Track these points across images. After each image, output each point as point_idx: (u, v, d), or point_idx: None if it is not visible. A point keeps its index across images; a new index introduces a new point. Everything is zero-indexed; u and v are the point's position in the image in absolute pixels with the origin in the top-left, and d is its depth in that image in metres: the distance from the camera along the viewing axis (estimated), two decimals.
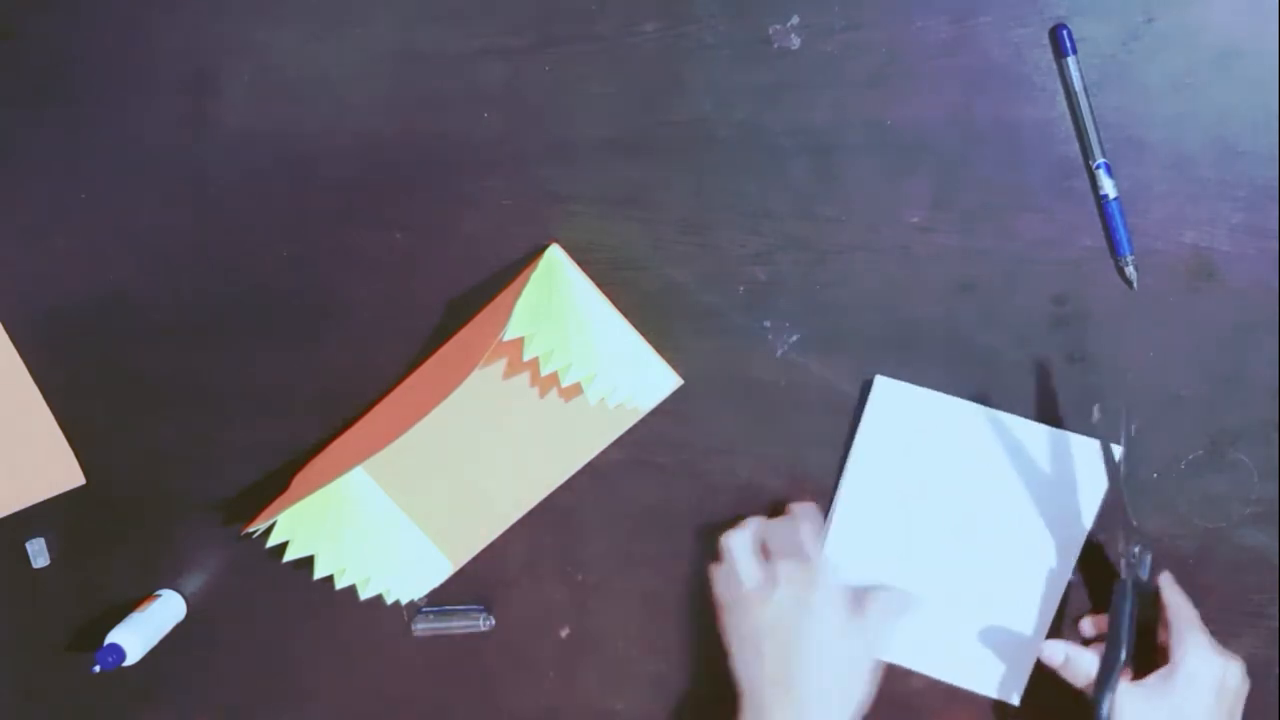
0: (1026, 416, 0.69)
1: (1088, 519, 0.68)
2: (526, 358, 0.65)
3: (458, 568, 0.78)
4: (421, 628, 0.80)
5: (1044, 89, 0.64)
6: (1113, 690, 0.62)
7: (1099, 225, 0.65)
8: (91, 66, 0.74)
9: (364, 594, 0.74)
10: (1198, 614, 0.65)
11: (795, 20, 0.65)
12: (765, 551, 0.69)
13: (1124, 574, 0.65)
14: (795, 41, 0.66)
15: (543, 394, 0.73)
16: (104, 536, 0.82)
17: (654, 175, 0.70)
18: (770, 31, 0.66)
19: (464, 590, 0.79)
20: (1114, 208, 0.64)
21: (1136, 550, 0.66)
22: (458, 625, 0.79)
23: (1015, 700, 0.72)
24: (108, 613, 0.82)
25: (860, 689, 0.65)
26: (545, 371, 0.66)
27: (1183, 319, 0.66)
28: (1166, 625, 0.65)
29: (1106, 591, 0.66)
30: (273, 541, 0.71)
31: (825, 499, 0.73)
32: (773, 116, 0.67)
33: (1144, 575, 0.66)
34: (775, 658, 0.65)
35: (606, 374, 0.70)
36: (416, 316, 0.75)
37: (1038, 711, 0.73)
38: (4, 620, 0.85)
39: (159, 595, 0.82)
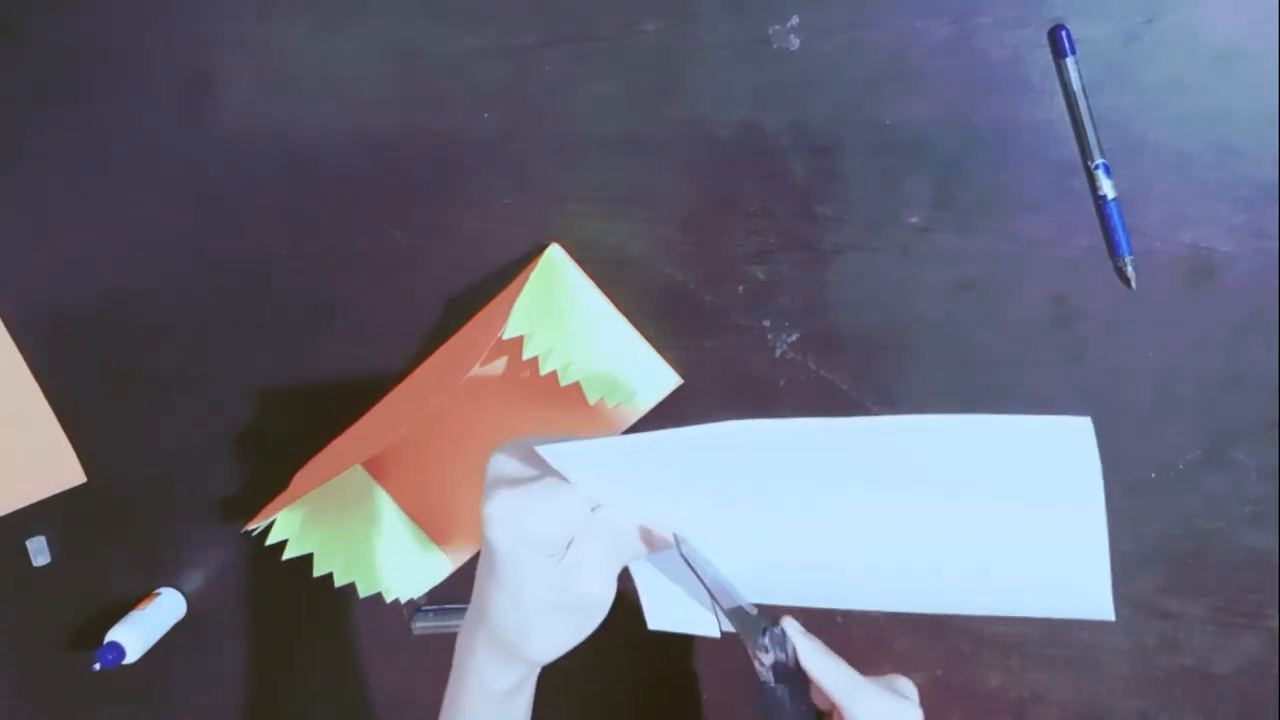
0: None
1: None
2: (525, 356, 0.65)
3: (457, 566, 0.78)
4: (421, 626, 0.80)
5: (1043, 89, 0.64)
6: None
7: (1098, 225, 0.65)
8: (92, 66, 0.74)
9: (363, 592, 0.74)
10: (848, 671, 0.52)
11: (795, 20, 0.65)
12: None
13: (764, 675, 0.51)
14: (795, 41, 0.66)
15: (541, 393, 0.74)
16: (104, 534, 0.83)
17: (654, 175, 0.70)
18: (770, 31, 0.66)
19: (464, 589, 0.79)
20: (1113, 208, 0.64)
21: (766, 639, 0.51)
22: (457, 624, 0.79)
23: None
24: (107, 611, 0.82)
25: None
26: (544, 370, 0.66)
27: (1182, 319, 0.66)
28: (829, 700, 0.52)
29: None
30: (272, 539, 0.71)
31: None
32: (773, 116, 0.67)
33: (785, 658, 0.51)
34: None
35: (605, 373, 0.70)
36: (416, 316, 0.75)
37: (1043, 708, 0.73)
38: (4, 618, 0.85)
39: (159, 593, 0.82)
